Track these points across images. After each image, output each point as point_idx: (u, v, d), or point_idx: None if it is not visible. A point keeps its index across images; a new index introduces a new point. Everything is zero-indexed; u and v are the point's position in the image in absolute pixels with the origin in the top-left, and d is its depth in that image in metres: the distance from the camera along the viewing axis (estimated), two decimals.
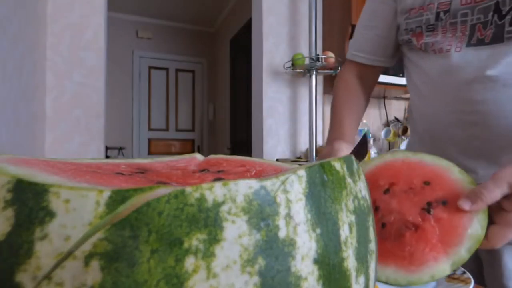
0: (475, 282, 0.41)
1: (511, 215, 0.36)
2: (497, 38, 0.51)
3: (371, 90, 0.75)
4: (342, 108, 0.69)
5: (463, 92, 0.54)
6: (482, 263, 0.58)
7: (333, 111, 0.71)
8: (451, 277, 0.41)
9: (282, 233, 0.16)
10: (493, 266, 0.54)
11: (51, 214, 0.14)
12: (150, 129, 4.01)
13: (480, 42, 0.52)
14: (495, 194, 0.35)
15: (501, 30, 0.50)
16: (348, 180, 0.20)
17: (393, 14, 0.66)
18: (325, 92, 2.11)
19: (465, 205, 0.36)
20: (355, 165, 0.22)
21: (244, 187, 0.15)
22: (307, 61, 1.80)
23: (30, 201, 0.14)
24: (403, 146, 2.11)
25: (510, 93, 0.50)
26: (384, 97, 2.29)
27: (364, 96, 0.73)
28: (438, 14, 0.56)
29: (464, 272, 0.42)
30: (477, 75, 0.52)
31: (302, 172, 0.18)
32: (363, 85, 0.73)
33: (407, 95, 2.16)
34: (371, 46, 0.70)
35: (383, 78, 1.83)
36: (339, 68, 1.77)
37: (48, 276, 0.14)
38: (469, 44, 0.53)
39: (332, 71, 1.84)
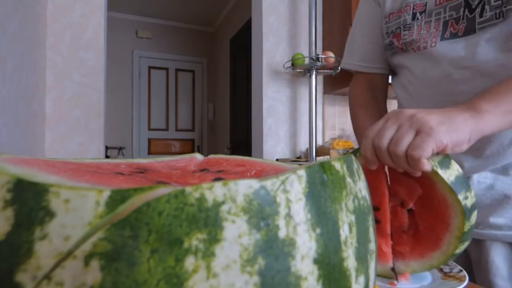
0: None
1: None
2: (470, 30, 0.53)
3: (385, 98, 0.75)
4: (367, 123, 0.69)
5: (444, 85, 0.56)
6: (471, 261, 0.58)
7: (357, 130, 0.71)
8: (447, 275, 0.41)
9: (282, 233, 0.16)
10: (481, 263, 0.55)
11: (51, 214, 0.14)
12: (150, 129, 4.01)
13: (454, 36, 0.54)
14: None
15: (473, 23, 0.52)
16: (348, 180, 0.20)
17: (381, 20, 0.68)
18: (325, 92, 2.11)
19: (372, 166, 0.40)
20: (355, 165, 0.22)
21: (244, 187, 0.15)
22: (307, 61, 1.80)
23: (30, 201, 0.14)
24: None
25: (488, 82, 0.51)
26: None
27: (382, 107, 0.73)
28: (414, 14, 0.59)
29: (460, 271, 0.42)
30: (455, 67, 0.54)
31: (302, 172, 0.18)
32: (376, 95, 0.73)
33: None
34: (368, 54, 0.71)
35: None
36: (339, 68, 1.76)
37: (48, 276, 0.14)
38: (443, 38, 0.55)
39: (332, 71, 1.83)
